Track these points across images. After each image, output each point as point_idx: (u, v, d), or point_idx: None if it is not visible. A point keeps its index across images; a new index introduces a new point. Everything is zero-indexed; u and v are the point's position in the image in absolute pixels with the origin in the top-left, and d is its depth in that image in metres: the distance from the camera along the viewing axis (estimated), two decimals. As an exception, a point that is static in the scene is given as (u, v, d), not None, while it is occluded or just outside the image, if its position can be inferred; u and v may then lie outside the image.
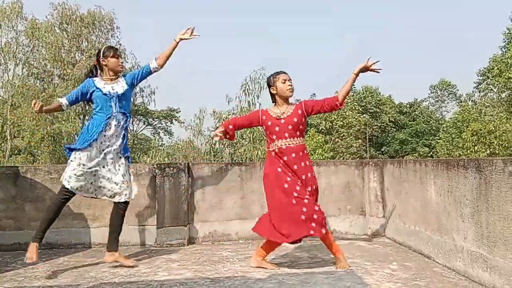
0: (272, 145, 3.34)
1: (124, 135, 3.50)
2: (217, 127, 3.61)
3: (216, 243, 4.42)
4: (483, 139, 23.50)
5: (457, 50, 76.52)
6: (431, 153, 34.29)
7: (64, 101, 3.55)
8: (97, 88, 3.45)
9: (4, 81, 22.94)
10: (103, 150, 3.39)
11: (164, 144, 35.02)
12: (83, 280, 3.09)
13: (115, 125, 3.43)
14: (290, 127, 3.29)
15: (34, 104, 3.36)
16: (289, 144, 3.28)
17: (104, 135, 3.40)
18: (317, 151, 23.92)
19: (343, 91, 3.33)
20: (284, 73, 3.43)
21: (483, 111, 27.52)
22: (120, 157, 3.47)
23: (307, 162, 3.32)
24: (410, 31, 77.99)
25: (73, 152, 3.33)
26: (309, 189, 3.28)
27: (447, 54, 76.29)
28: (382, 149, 37.16)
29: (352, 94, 37.57)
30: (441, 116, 43.74)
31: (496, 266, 2.68)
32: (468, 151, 23.67)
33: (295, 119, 3.30)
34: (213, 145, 14.16)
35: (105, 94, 3.43)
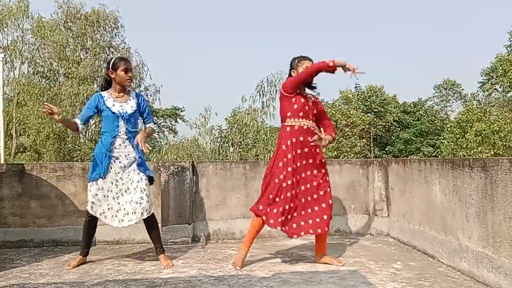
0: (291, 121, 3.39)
1: (135, 151, 3.39)
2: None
3: (221, 241, 4.43)
4: (487, 139, 23.37)
5: (463, 49, 76.12)
6: (435, 153, 34.14)
7: (79, 122, 3.40)
8: (107, 107, 3.37)
9: (10, 79, 23.05)
10: (115, 170, 3.35)
11: (169, 142, 35.09)
12: (88, 278, 3.11)
13: (120, 144, 3.37)
14: (314, 111, 3.43)
15: (48, 106, 3.20)
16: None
17: (113, 156, 3.34)
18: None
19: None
20: (309, 60, 3.45)
21: (487, 111, 27.34)
22: (139, 173, 3.38)
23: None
24: (414, 29, 77.66)
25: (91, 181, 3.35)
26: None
27: (452, 52, 75.96)
28: (387, 149, 37.02)
29: (357, 93, 37.48)
30: (446, 116, 43.54)
31: (502, 267, 2.67)
32: (472, 152, 23.54)
33: (315, 111, 3.45)
34: (221, 146, 14.14)
35: (113, 113, 3.36)
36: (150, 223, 3.49)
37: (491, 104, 31.53)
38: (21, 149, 23.91)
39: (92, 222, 3.45)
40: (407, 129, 37.98)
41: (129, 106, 3.44)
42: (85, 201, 4.25)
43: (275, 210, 3.21)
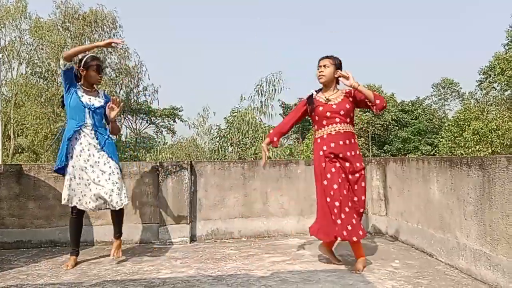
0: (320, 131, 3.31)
1: (100, 144, 3.46)
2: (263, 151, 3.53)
3: (219, 241, 4.43)
4: (485, 137, 23.42)
5: (460, 48, 76.21)
6: (433, 151, 34.22)
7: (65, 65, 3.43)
8: (77, 95, 3.44)
9: (8, 80, 23.00)
10: (84, 158, 3.40)
11: (167, 142, 35.09)
12: (86, 278, 3.10)
13: (87, 134, 3.42)
14: (342, 112, 3.26)
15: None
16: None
17: (80, 144, 3.39)
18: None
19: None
20: (323, 58, 3.35)
21: (485, 109, 27.38)
22: (110, 166, 3.44)
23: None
24: (412, 29, 77.73)
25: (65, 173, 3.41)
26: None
27: (451, 51, 76.04)
28: (385, 148, 37.08)
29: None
30: (444, 115, 43.60)
31: (499, 264, 2.67)
32: (470, 150, 23.59)
33: (347, 106, 3.28)
34: (220, 145, 14.15)
35: (81, 102, 3.43)
36: (117, 213, 3.59)
37: (489, 102, 31.58)
38: (19, 150, 23.85)
39: (78, 220, 3.49)
40: (405, 128, 38.04)
41: (97, 100, 3.53)
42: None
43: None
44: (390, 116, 36.97)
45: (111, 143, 3.54)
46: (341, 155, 3.21)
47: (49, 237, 4.23)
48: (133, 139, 30.22)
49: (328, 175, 3.19)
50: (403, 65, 75.94)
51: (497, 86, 31.11)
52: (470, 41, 75.09)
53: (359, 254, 3.26)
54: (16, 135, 23.42)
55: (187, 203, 4.36)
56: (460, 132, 25.91)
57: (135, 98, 26.70)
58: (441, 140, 29.98)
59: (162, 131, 38.66)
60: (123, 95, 25.03)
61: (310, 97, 3.41)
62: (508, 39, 28.71)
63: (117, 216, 3.61)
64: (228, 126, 14.34)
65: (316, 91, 3.43)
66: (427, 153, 35.01)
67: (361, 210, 3.27)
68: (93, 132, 3.44)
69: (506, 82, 25.99)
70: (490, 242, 2.76)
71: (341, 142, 3.22)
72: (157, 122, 38.14)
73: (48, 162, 19.34)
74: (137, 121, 35.62)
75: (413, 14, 76.75)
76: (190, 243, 4.31)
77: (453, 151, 25.87)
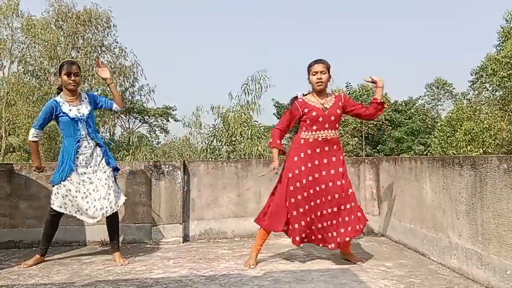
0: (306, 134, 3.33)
1: (99, 150, 3.52)
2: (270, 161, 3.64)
3: (212, 240, 4.42)
4: (477, 138, 23.60)
5: (453, 48, 76.76)
6: (426, 151, 34.40)
7: (34, 132, 3.47)
8: (63, 113, 3.41)
9: (-1, 78, 22.81)
10: (81, 171, 3.43)
11: (160, 141, 34.97)
12: (77, 278, 3.08)
13: (85, 146, 3.45)
14: (332, 118, 3.31)
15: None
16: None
17: (78, 158, 3.42)
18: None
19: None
20: (318, 63, 3.33)
21: (477, 109, 27.59)
22: (105, 171, 3.48)
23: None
24: (405, 28, 78.15)
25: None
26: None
27: (444, 51, 76.56)
28: (378, 147, 37.20)
29: (348, 92, 37.61)
30: (437, 115, 43.87)
31: (491, 263, 2.69)
32: (461, 150, 23.76)
33: (338, 111, 3.33)
34: (210, 143, 14.20)
35: (72, 119, 3.41)
36: (112, 219, 3.58)
37: (481, 102, 31.83)
38: (11, 149, 23.64)
39: (57, 220, 3.50)
40: (399, 127, 38.20)
41: (84, 107, 3.51)
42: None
43: None
44: (384, 116, 37.11)
45: (105, 147, 3.58)
46: (324, 161, 3.27)
47: (41, 237, 4.19)
48: (126, 138, 30.05)
49: (298, 184, 3.26)
50: (396, 65, 76.34)
51: (489, 86, 31.35)
52: (463, 41, 75.68)
53: (347, 251, 3.44)
54: (7, 134, 23.19)
55: (180, 203, 4.34)
56: (453, 132, 26.09)
57: (130, 97, 26.58)
58: (434, 140, 30.16)
59: (155, 130, 38.51)
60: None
61: (293, 99, 3.40)
62: (500, 40, 28.93)
63: (112, 226, 3.59)
64: (217, 124, 14.30)
65: (304, 94, 3.44)
66: (420, 153, 35.20)
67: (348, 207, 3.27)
68: (90, 141, 3.48)
69: (498, 83, 26.20)
70: (482, 241, 2.78)
71: (326, 148, 3.29)
72: (150, 122, 37.98)
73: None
74: (130, 120, 35.44)
75: (407, 13, 77.18)
76: (183, 243, 4.29)
77: (445, 151, 26.04)
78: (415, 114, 39.58)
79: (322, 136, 3.28)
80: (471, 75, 36.13)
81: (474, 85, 36.02)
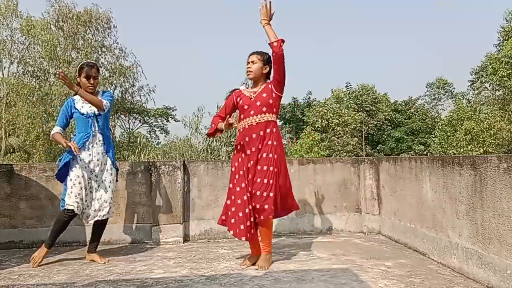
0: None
1: (106, 150, 3.57)
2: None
3: (212, 240, 4.42)
4: (477, 137, 23.60)
5: (454, 48, 76.78)
6: (426, 151, 34.41)
7: (59, 129, 3.56)
8: (76, 109, 3.54)
9: (-1, 79, 22.81)
10: (90, 168, 3.49)
11: (160, 142, 35.01)
12: (78, 278, 3.08)
13: (96, 143, 3.52)
14: (258, 103, 3.30)
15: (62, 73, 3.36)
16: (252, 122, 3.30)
17: (85, 153, 3.48)
18: (313, 149, 23.97)
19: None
20: (251, 54, 3.39)
21: (477, 109, 27.60)
22: (111, 174, 3.58)
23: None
24: (405, 28, 78.18)
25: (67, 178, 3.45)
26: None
27: (444, 51, 76.57)
28: (378, 147, 37.22)
29: (348, 92, 37.61)
30: (437, 114, 43.86)
31: (491, 263, 2.69)
32: (462, 150, 23.76)
33: (264, 95, 3.31)
34: (209, 144, 14.20)
35: (83, 114, 3.51)
36: (103, 224, 3.67)
37: (481, 102, 31.84)
38: (11, 150, 23.64)
39: (68, 222, 3.51)
40: (399, 127, 38.20)
41: None
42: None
43: None
44: (384, 116, 37.14)
45: (113, 147, 3.68)
46: (253, 149, 3.26)
47: (41, 237, 4.19)
48: (126, 138, 30.04)
49: (237, 176, 3.30)
50: (395, 65, 76.38)
51: (489, 86, 31.36)
52: (463, 41, 75.69)
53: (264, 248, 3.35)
54: (7, 135, 23.20)
55: (180, 203, 4.34)
56: (453, 131, 26.09)
57: (130, 98, 26.58)
58: (434, 139, 30.17)
59: (155, 130, 38.54)
60: (118, 95, 24.90)
61: (232, 90, 3.52)
62: (500, 39, 28.96)
63: (100, 228, 3.67)
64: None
65: (246, 86, 3.55)
66: (420, 152, 35.20)
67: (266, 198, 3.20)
68: (100, 138, 3.54)
69: (498, 82, 26.21)
70: (482, 241, 2.78)
71: (254, 135, 3.27)
72: (150, 122, 37.99)
73: (40, 162, 19.22)
74: (130, 120, 35.45)
75: (407, 13, 77.20)
76: (183, 243, 4.29)
77: (445, 151, 26.04)
78: (415, 114, 39.58)
79: (248, 123, 3.30)
80: (471, 74, 36.11)
81: (474, 84, 36.02)
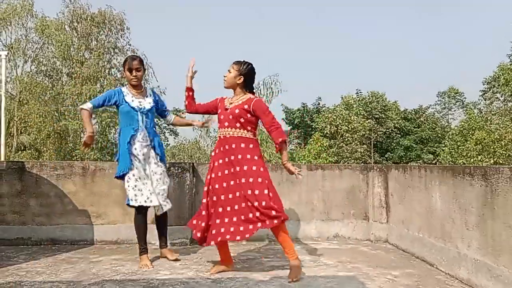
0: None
1: (154, 145, 3.55)
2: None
3: (219, 244, 4.41)
4: (487, 148, 23.35)
5: (466, 57, 76.22)
6: (435, 160, 34.11)
7: (88, 105, 3.51)
8: (126, 102, 3.51)
9: (13, 78, 23.11)
10: (144, 161, 3.49)
11: (169, 144, 35.11)
12: (85, 277, 3.10)
13: (142, 138, 3.49)
14: (230, 117, 3.21)
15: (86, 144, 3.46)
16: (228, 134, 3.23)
17: (136, 148, 3.46)
18: (321, 155, 23.92)
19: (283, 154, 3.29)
20: (233, 63, 3.32)
21: (488, 119, 27.33)
22: (161, 166, 3.59)
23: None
24: (417, 37, 77.82)
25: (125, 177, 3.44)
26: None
27: (455, 60, 76.02)
28: (386, 155, 37.01)
29: (358, 99, 37.51)
30: (447, 124, 43.52)
31: (501, 276, 2.65)
32: (472, 160, 23.52)
33: (237, 111, 3.19)
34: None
35: (132, 108, 3.50)
36: (164, 217, 3.67)
37: (493, 112, 31.53)
38: (22, 148, 23.92)
39: (143, 217, 3.50)
40: (408, 136, 37.97)
41: (147, 102, 3.59)
42: (83, 201, 4.27)
43: None
44: (393, 124, 36.96)
45: (162, 144, 3.69)
46: (226, 159, 3.19)
47: (49, 234, 4.23)
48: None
49: (216, 185, 3.21)
50: (406, 73, 75.99)
51: (501, 96, 31.07)
52: (475, 50, 75.12)
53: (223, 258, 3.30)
54: (19, 133, 23.48)
55: (188, 205, 4.35)
56: (463, 141, 25.85)
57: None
58: (444, 149, 29.91)
59: (164, 132, 38.73)
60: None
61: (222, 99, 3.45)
62: (513, 50, 28.69)
63: (163, 221, 3.68)
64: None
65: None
66: (429, 161, 34.91)
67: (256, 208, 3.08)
68: (147, 134, 3.52)
69: (510, 93, 25.95)
70: (492, 252, 2.75)
71: (227, 147, 3.20)
72: (159, 124, 38.20)
73: (50, 160, 19.39)
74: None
75: (420, 22, 76.93)
76: (190, 245, 4.30)
77: (455, 160, 25.79)
78: (424, 123, 39.32)
79: (222, 134, 3.25)
80: (483, 84, 35.85)
81: (486, 94, 35.71)
